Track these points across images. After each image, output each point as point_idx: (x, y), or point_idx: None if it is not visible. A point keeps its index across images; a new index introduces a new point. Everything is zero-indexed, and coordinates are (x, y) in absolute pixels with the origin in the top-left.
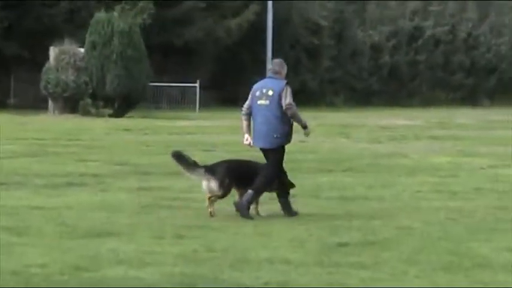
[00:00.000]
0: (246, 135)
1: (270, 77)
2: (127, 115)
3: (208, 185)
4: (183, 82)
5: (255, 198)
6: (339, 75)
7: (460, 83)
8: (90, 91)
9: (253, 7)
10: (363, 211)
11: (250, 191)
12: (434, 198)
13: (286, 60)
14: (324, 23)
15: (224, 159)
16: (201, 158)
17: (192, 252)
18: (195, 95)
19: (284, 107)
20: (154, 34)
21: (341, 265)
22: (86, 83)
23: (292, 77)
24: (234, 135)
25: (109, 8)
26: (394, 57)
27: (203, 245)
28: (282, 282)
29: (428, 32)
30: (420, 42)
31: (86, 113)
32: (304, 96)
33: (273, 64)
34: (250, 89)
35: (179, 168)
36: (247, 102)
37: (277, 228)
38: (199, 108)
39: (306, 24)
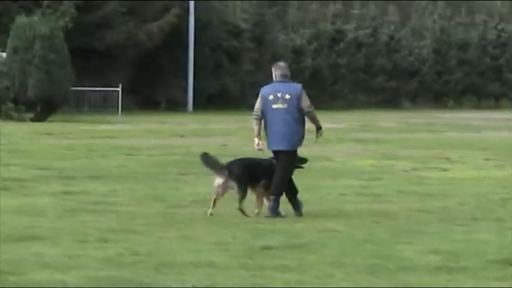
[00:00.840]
0: (257, 140)
1: (280, 81)
2: (49, 119)
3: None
4: (104, 86)
5: (278, 201)
6: (260, 79)
7: (381, 86)
8: (12, 96)
9: (175, 10)
10: (286, 214)
11: (272, 197)
12: (359, 201)
13: (207, 63)
14: (244, 26)
15: (237, 158)
16: (123, 161)
17: (117, 256)
18: (117, 98)
19: (305, 110)
20: (76, 38)
21: (266, 268)
22: (8, 88)
23: (213, 80)
24: (155, 139)
25: (30, 12)
26: (315, 60)
27: (127, 248)
28: (208, 285)
29: (349, 35)
30: (342, 45)
31: (8, 117)
32: (225, 100)
33: (280, 68)
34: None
35: (208, 170)
36: (257, 107)
37: (201, 232)
38: (121, 112)
39: (226, 27)
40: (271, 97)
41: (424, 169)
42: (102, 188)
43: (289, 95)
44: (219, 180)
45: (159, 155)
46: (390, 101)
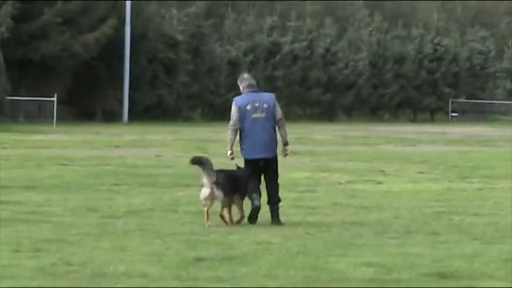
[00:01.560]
0: (231, 150)
1: (253, 91)
2: None
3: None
4: (40, 96)
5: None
6: (196, 90)
7: (317, 98)
8: None
9: (111, 21)
10: (221, 226)
11: (276, 206)
12: (293, 213)
13: (143, 74)
14: (180, 37)
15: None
16: (58, 172)
17: (50, 266)
18: (52, 109)
19: (278, 119)
20: (11, 48)
21: (199, 279)
22: None
23: (149, 91)
24: (91, 149)
25: None
26: (251, 72)
27: (61, 258)
28: None
29: (286, 48)
30: (278, 57)
31: None
32: (161, 111)
33: (247, 79)
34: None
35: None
36: (234, 118)
37: (134, 242)
38: (56, 123)
39: (163, 38)
40: (249, 107)
41: (359, 182)
42: (36, 198)
43: (266, 104)
44: (205, 191)
45: (93, 166)
46: (326, 113)
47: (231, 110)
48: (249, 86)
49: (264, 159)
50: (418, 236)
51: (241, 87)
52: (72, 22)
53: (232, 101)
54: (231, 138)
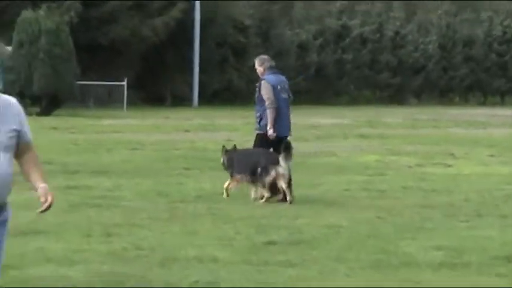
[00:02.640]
0: (273, 128)
1: (277, 73)
2: (54, 114)
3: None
4: (109, 81)
5: None
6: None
7: (386, 82)
8: (18, 90)
9: (180, 5)
10: (290, 210)
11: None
12: (363, 196)
13: (212, 58)
14: (249, 21)
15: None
16: (128, 156)
17: (121, 251)
18: (122, 93)
19: (291, 99)
20: (81, 33)
21: (269, 263)
22: (13, 82)
23: (219, 75)
24: (160, 133)
25: (35, 7)
26: (321, 56)
27: (131, 243)
28: (211, 280)
29: (355, 31)
30: (347, 41)
31: None
32: (231, 95)
33: (269, 60)
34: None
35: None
36: (271, 97)
37: (205, 227)
38: (126, 107)
39: (232, 23)
40: (279, 87)
41: (428, 165)
42: (106, 182)
43: (287, 85)
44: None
45: (163, 150)
46: (395, 97)
47: (264, 89)
48: (271, 67)
49: (285, 138)
50: (488, 219)
51: (261, 68)
52: (141, 6)
53: (264, 81)
54: (273, 117)
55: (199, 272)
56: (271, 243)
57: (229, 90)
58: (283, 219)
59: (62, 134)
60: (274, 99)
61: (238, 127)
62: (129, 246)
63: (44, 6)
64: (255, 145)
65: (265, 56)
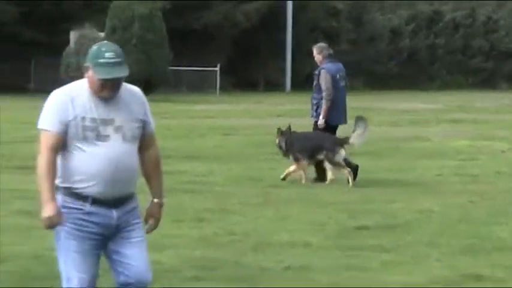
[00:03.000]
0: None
1: (335, 60)
2: (147, 99)
3: None
4: (201, 66)
5: None
6: (357, 59)
7: (479, 66)
8: None
9: None
10: (383, 195)
11: None
12: (455, 181)
13: (305, 44)
14: (341, 6)
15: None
16: (220, 142)
17: (213, 236)
18: (215, 78)
19: (348, 86)
20: (173, 18)
21: (361, 248)
22: None
23: (311, 60)
24: (253, 119)
25: None
26: (413, 41)
27: (223, 228)
28: (303, 265)
29: (447, 16)
30: (439, 26)
31: None
32: None
33: (328, 48)
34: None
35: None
36: (330, 86)
37: (297, 212)
38: (219, 92)
39: (324, 7)
40: (338, 76)
41: None
42: (199, 167)
43: (344, 72)
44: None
45: (256, 135)
46: (488, 81)
47: (324, 79)
48: (330, 55)
49: (336, 126)
50: None
51: (320, 56)
52: None
53: (323, 69)
54: (327, 108)
55: (292, 256)
56: (363, 228)
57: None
58: (376, 203)
59: (155, 119)
60: (332, 90)
61: None
62: (221, 232)
63: None
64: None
65: (323, 44)
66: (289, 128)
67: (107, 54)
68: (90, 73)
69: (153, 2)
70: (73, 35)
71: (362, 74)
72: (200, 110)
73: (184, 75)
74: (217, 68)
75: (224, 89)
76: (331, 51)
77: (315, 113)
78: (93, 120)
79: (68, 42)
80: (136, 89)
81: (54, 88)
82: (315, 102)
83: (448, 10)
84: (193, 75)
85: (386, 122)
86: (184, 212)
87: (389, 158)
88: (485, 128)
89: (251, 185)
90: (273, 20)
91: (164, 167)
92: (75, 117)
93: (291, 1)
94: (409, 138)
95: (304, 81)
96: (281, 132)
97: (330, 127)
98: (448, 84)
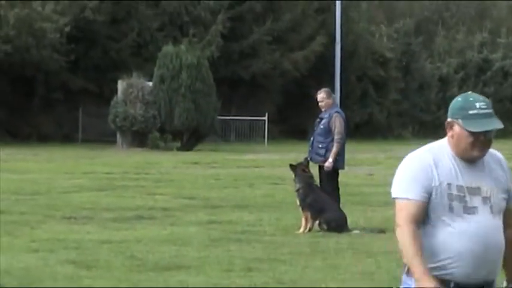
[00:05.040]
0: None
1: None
2: (196, 148)
3: None
4: (250, 115)
5: None
6: (406, 108)
7: None
8: (159, 125)
9: (320, 39)
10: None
11: None
12: None
13: (353, 92)
14: (390, 55)
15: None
16: (269, 191)
17: (262, 285)
18: (263, 128)
19: None
20: (222, 67)
21: None
22: (154, 117)
23: (359, 109)
24: None
25: (176, 42)
26: (462, 89)
27: (272, 277)
28: None
29: (496, 64)
30: (489, 74)
31: (155, 146)
32: (372, 129)
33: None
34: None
35: None
36: (343, 132)
37: (346, 261)
38: (267, 141)
39: (372, 56)
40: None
41: None
42: (248, 217)
43: None
44: None
45: None
46: None
47: (338, 122)
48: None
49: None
50: None
51: (330, 101)
52: (282, 40)
53: (337, 113)
54: (337, 151)
55: None
56: None
57: (370, 124)
58: None
59: (204, 168)
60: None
61: (380, 161)
62: (271, 281)
63: (185, 40)
64: (321, 177)
65: (329, 89)
66: (308, 162)
67: (478, 104)
68: (456, 129)
69: (201, 51)
70: (121, 84)
71: (411, 123)
72: (248, 160)
73: (233, 124)
74: (266, 117)
75: (272, 137)
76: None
77: (321, 158)
78: (460, 188)
79: (116, 91)
80: (498, 154)
81: (102, 138)
82: (320, 146)
83: (498, 58)
84: (242, 124)
85: None
86: (233, 261)
87: None
88: None
89: (300, 234)
90: (321, 68)
91: (213, 217)
92: (440, 184)
93: (339, 50)
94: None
95: (353, 129)
96: (295, 173)
97: (335, 171)
98: (498, 132)
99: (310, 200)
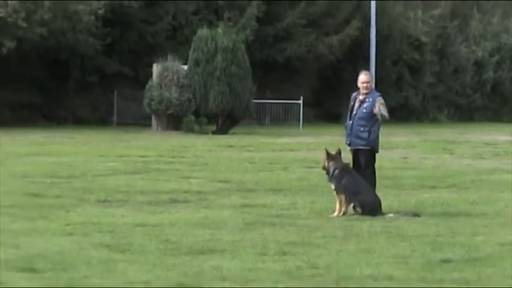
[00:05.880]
0: None
1: None
2: (230, 132)
3: None
4: (285, 98)
5: None
6: (441, 91)
7: None
8: (194, 108)
9: (355, 23)
10: (466, 227)
11: None
12: None
13: (388, 76)
14: (425, 39)
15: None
16: (304, 174)
17: (296, 269)
18: (298, 111)
19: None
20: (256, 50)
21: (445, 281)
22: (189, 100)
23: (395, 93)
24: None
25: (211, 25)
26: (497, 73)
27: (306, 261)
28: None
29: None
30: None
31: (189, 130)
32: (407, 112)
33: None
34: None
35: None
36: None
37: (380, 244)
38: (302, 125)
39: (407, 40)
40: None
41: None
42: (282, 200)
43: None
44: None
45: None
46: None
47: (384, 105)
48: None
49: None
50: None
51: (370, 84)
52: (317, 24)
53: (376, 97)
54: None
55: None
56: (446, 261)
57: (405, 108)
58: (459, 236)
59: (239, 152)
60: None
61: (415, 144)
62: (304, 265)
63: (220, 24)
64: (359, 162)
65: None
66: (340, 153)
67: None
68: None
69: (237, 34)
70: (156, 68)
71: (446, 107)
72: (283, 143)
73: (268, 108)
74: (301, 101)
75: (307, 121)
76: None
77: (364, 141)
78: None
79: (151, 74)
80: None
81: (137, 121)
82: (362, 129)
83: None
84: (277, 107)
85: (470, 155)
86: (267, 245)
87: (473, 190)
88: None
89: (334, 218)
90: (356, 52)
91: (247, 200)
92: None
93: (374, 34)
94: (492, 170)
95: (388, 113)
96: (331, 157)
97: (373, 155)
98: None
99: (345, 182)
